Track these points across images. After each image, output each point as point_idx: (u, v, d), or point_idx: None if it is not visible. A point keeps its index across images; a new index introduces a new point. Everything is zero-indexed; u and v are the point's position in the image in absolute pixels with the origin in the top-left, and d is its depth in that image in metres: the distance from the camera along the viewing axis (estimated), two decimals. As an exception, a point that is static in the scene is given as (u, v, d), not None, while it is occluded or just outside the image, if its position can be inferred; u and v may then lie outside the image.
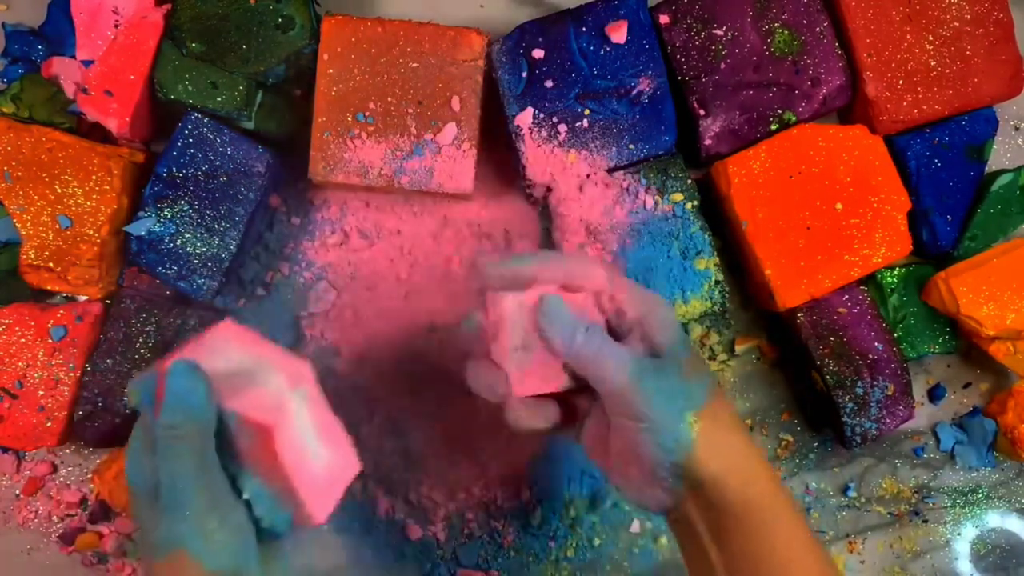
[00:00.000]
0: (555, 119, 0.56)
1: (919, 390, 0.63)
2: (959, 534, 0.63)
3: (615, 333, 0.43)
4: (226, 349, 0.42)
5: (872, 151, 0.57)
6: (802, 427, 0.63)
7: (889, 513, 0.62)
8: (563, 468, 0.60)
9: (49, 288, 0.56)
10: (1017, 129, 0.64)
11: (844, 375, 0.57)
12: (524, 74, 0.56)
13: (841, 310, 0.57)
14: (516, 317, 0.43)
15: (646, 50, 0.56)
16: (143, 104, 0.56)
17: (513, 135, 0.56)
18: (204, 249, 0.54)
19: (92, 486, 0.59)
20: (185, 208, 0.54)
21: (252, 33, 0.55)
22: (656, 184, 0.56)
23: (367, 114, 0.55)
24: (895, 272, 0.60)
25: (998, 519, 0.63)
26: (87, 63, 0.56)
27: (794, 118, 0.58)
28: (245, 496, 0.40)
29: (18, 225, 0.54)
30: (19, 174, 0.54)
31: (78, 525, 0.59)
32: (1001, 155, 0.63)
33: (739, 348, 0.62)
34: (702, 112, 0.57)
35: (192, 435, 0.39)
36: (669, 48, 0.58)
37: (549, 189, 0.57)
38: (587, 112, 0.56)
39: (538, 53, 0.56)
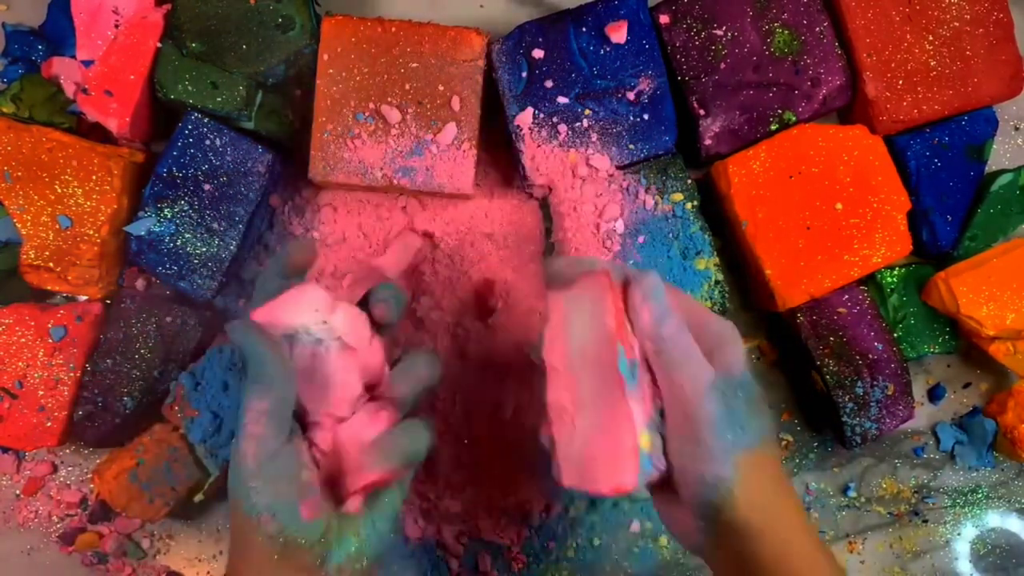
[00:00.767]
0: (555, 119, 0.56)
1: (919, 390, 0.63)
2: (959, 534, 0.63)
3: None
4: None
5: (872, 151, 0.58)
6: (802, 427, 0.63)
7: (889, 513, 0.62)
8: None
9: (49, 288, 0.56)
10: (1017, 129, 0.64)
11: (844, 375, 0.57)
12: (524, 74, 0.56)
13: (841, 310, 0.57)
14: (577, 315, 0.40)
15: (646, 50, 0.56)
16: (143, 104, 0.56)
17: (513, 135, 0.56)
18: (204, 249, 0.54)
19: (92, 486, 0.59)
20: (185, 208, 0.54)
21: (252, 33, 0.55)
22: (656, 184, 0.56)
23: (367, 114, 0.55)
24: (895, 272, 0.60)
25: (998, 519, 0.63)
26: (87, 63, 0.56)
27: (794, 118, 0.58)
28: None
29: (18, 225, 0.54)
30: (19, 174, 0.54)
31: (78, 525, 0.59)
32: (1001, 155, 0.63)
33: (739, 348, 0.62)
34: (702, 112, 0.57)
35: (266, 386, 0.39)
36: (669, 48, 0.58)
37: (549, 189, 0.57)
38: (587, 112, 0.56)
39: (538, 53, 0.56)
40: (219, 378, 0.54)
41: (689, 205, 0.56)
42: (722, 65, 0.57)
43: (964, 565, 0.62)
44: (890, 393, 0.57)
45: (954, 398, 0.64)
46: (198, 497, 0.56)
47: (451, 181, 0.56)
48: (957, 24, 0.58)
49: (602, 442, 0.39)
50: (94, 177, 0.54)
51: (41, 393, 0.55)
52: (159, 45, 0.55)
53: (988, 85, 0.59)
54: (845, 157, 0.57)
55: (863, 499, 0.62)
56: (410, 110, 0.55)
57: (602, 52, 0.56)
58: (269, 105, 0.56)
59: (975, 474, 0.63)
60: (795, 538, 0.39)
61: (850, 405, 0.57)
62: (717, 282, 0.56)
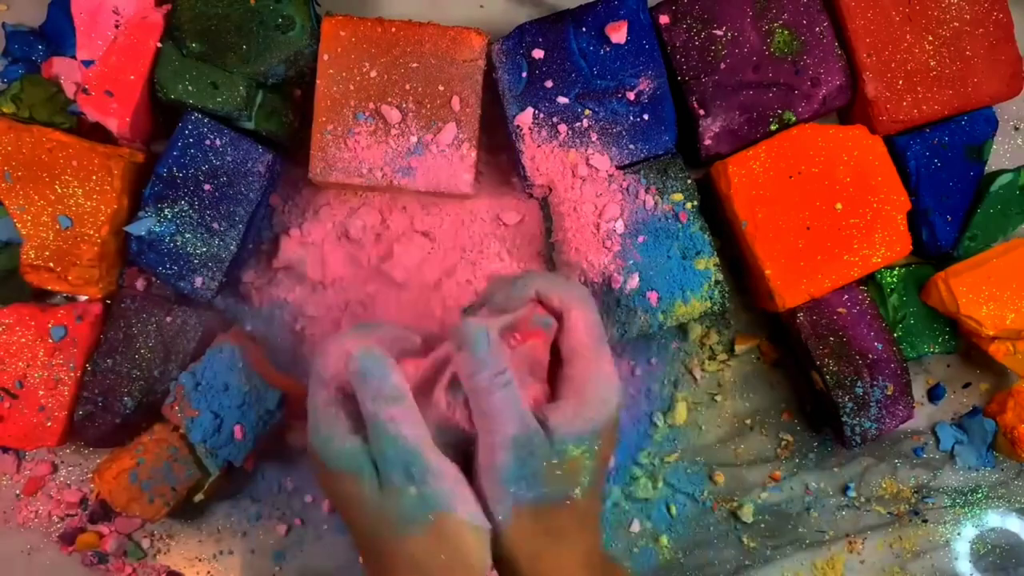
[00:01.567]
0: (555, 119, 0.56)
1: (919, 390, 0.63)
2: (959, 534, 0.63)
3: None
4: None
5: (872, 151, 0.58)
6: (802, 427, 0.63)
7: (889, 513, 0.62)
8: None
9: (49, 288, 0.56)
10: (1017, 129, 0.64)
11: (844, 375, 0.57)
12: (524, 74, 0.56)
13: (841, 310, 0.57)
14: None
15: (646, 50, 0.56)
16: (143, 104, 0.56)
17: (513, 135, 0.56)
18: (204, 249, 0.54)
19: (92, 486, 0.59)
20: (185, 208, 0.54)
21: (252, 33, 0.55)
22: (656, 184, 0.56)
23: (367, 114, 0.55)
24: (895, 272, 0.60)
25: (998, 519, 0.63)
26: (87, 63, 0.56)
27: (794, 118, 0.58)
28: None
29: (18, 225, 0.54)
30: (19, 174, 0.54)
31: (78, 525, 0.59)
32: (1001, 155, 0.63)
33: (739, 348, 0.62)
34: (702, 112, 0.57)
35: (403, 396, 0.40)
36: (669, 48, 0.58)
37: (549, 189, 0.57)
38: (587, 112, 0.56)
39: (538, 53, 0.56)
40: (219, 378, 0.54)
41: (689, 205, 0.56)
42: (722, 65, 0.57)
43: (964, 565, 0.62)
44: (890, 393, 0.57)
45: (954, 398, 0.64)
46: (198, 497, 0.56)
47: (451, 181, 0.56)
48: (957, 24, 0.58)
49: None
50: (94, 177, 0.54)
51: (41, 393, 0.55)
52: (159, 45, 0.55)
53: (988, 85, 0.59)
54: (845, 157, 0.57)
55: (863, 499, 0.62)
56: (410, 110, 0.55)
57: (602, 52, 0.56)
58: (269, 105, 0.56)
59: (975, 474, 0.63)
60: None
61: (850, 405, 0.57)
62: (717, 282, 0.56)
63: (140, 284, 0.58)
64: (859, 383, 0.57)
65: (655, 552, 0.61)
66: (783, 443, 0.62)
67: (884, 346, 0.57)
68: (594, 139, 0.56)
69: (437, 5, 0.62)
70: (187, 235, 0.54)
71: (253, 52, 0.55)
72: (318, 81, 0.55)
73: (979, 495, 0.63)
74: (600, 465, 0.42)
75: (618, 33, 0.56)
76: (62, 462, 0.60)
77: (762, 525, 0.62)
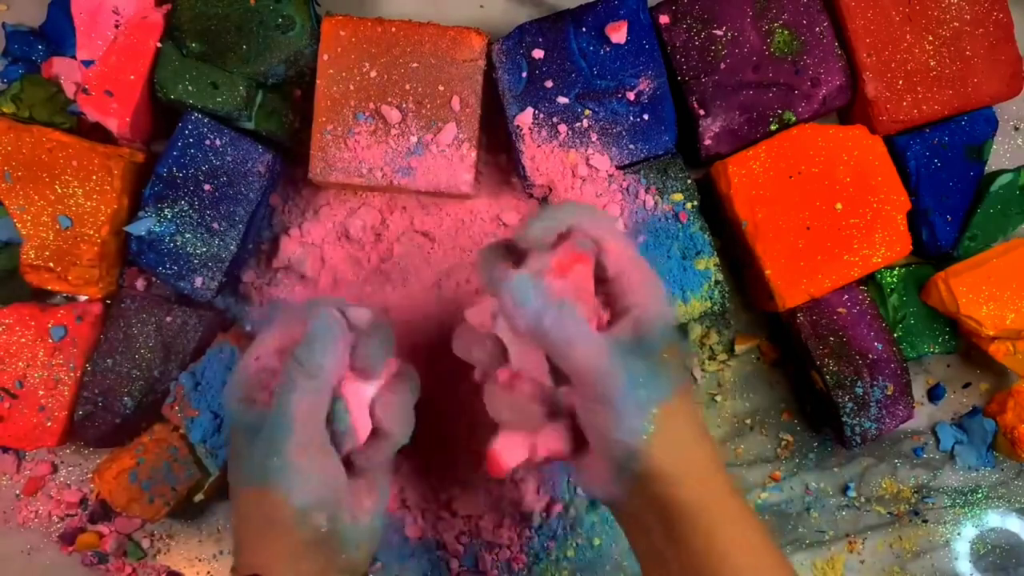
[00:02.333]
0: (555, 119, 0.56)
1: (919, 390, 0.63)
2: (959, 534, 0.63)
3: (607, 300, 0.43)
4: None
5: (872, 151, 0.58)
6: (802, 427, 0.63)
7: (889, 513, 0.62)
8: (563, 468, 0.60)
9: (49, 288, 0.56)
10: (1017, 129, 0.64)
11: (844, 375, 0.57)
12: (524, 74, 0.56)
13: (841, 310, 0.57)
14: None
15: (646, 50, 0.56)
16: (143, 104, 0.56)
17: (513, 135, 0.56)
18: (204, 249, 0.54)
19: (92, 486, 0.59)
20: (185, 208, 0.54)
21: (252, 33, 0.55)
22: (656, 184, 0.56)
23: (367, 114, 0.55)
24: (895, 272, 0.60)
25: (998, 519, 0.63)
26: (87, 63, 0.56)
27: (794, 118, 0.58)
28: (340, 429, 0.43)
29: (18, 225, 0.54)
30: (19, 174, 0.54)
31: (78, 525, 0.59)
32: (1001, 155, 0.63)
33: (739, 348, 0.62)
34: (702, 112, 0.57)
35: (320, 378, 0.41)
36: (669, 48, 0.58)
37: (549, 189, 0.57)
38: (587, 112, 0.56)
39: (538, 53, 0.56)
40: (219, 378, 0.54)
41: (689, 205, 0.56)
42: (722, 65, 0.57)
43: (964, 565, 0.62)
44: (890, 393, 0.57)
45: (954, 398, 0.64)
46: (198, 497, 0.56)
47: (451, 181, 0.56)
48: (957, 24, 0.58)
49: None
50: (94, 177, 0.54)
51: (41, 393, 0.55)
52: (159, 45, 0.55)
53: (988, 85, 0.59)
54: (845, 157, 0.57)
55: (863, 499, 0.62)
56: (410, 110, 0.55)
57: (602, 52, 0.56)
58: (269, 105, 0.56)
59: (975, 474, 0.63)
60: (711, 482, 0.41)
61: (850, 405, 0.57)
62: (717, 282, 0.56)
63: (140, 284, 0.58)
64: (859, 383, 0.57)
65: (655, 552, 0.61)
66: (783, 443, 0.62)
67: (884, 346, 0.57)
68: (594, 139, 0.56)
69: (437, 5, 0.62)
70: (187, 235, 0.54)
71: (253, 52, 0.55)
72: (318, 81, 0.55)
73: (979, 495, 0.63)
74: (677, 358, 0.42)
75: (618, 33, 0.56)
76: (62, 462, 0.60)
77: (762, 525, 0.62)
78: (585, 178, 0.56)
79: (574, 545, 0.60)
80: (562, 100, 0.56)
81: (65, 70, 0.57)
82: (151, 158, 0.58)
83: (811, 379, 0.60)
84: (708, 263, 0.56)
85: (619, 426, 0.40)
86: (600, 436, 0.41)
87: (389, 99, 0.55)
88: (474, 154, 0.56)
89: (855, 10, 0.58)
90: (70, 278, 0.55)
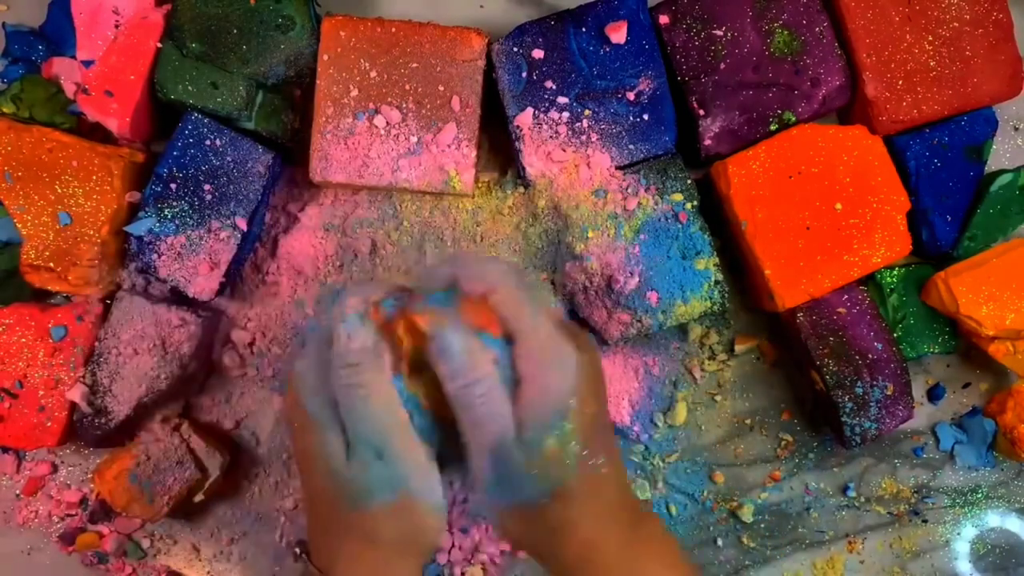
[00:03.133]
0: (555, 119, 0.56)
1: (919, 390, 0.63)
2: (959, 534, 0.63)
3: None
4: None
5: (872, 151, 0.58)
6: (802, 427, 0.63)
7: (889, 513, 0.62)
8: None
9: (49, 288, 0.56)
10: (1017, 129, 0.64)
11: (844, 375, 0.57)
12: (524, 74, 0.56)
13: (841, 310, 0.57)
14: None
15: (646, 50, 0.56)
16: (143, 104, 0.56)
17: (513, 135, 0.56)
18: (204, 249, 0.54)
19: (92, 486, 0.59)
20: (185, 208, 0.54)
21: (252, 33, 0.55)
22: (656, 184, 0.56)
23: (367, 114, 0.55)
24: (895, 272, 0.60)
25: (998, 519, 0.63)
26: (87, 63, 0.56)
27: (794, 118, 0.58)
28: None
29: (18, 225, 0.54)
30: (19, 174, 0.54)
31: (78, 525, 0.59)
32: (1001, 155, 0.63)
33: (739, 348, 0.62)
34: (702, 112, 0.57)
35: (368, 364, 0.40)
36: (669, 48, 0.58)
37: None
38: (587, 112, 0.56)
39: (538, 53, 0.56)
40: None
41: (689, 205, 0.56)
42: (722, 65, 0.57)
43: (964, 565, 0.62)
44: (890, 393, 0.57)
45: (954, 398, 0.64)
46: (198, 497, 0.56)
47: (451, 181, 0.56)
48: (957, 24, 0.58)
49: None
50: (94, 177, 0.54)
51: (41, 393, 0.55)
52: (159, 45, 0.55)
53: (988, 85, 0.59)
54: (845, 157, 0.57)
55: (863, 499, 0.62)
56: (410, 110, 0.55)
57: (602, 52, 0.56)
58: (269, 105, 0.56)
59: (975, 474, 0.63)
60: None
61: (850, 405, 0.57)
62: (717, 282, 0.56)
63: (140, 284, 0.58)
64: (859, 383, 0.57)
65: (655, 552, 0.61)
66: (783, 443, 0.62)
67: (884, 346, 0.57)
68: (594, 139, 0.56)
69: (437, 5, 0.62)
70: (187, 235, 0.54)
71: (253, 52, 0.55)
72: (318, 81, 0.55)
73: (979, 495, 0.63)
74: (586, 434, 0.40)
75: (618, 33, 0.56)
76: (62, 462, 0.60)
77: (762, 525, 0.62)
78: (585, 178, 0.56)
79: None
80: (562, 100, 0.56)
81: (65, 70, 0.57)
82: (151, 158, 0.58)
83: (811, 379, 0.60)
84: (708, 263, 0.56)
85: (478, 500, 0.42)
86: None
87: (389, 99, 0.55)
88: (474, 154, 0.56)
89: (855, 10, 0.58)
90: (70, 278, 0.55)
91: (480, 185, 0.60)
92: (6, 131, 0.54)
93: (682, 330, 0.62)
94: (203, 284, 0.55)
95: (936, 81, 0.58)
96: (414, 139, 0.55)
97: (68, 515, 0.60)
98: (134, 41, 0.55)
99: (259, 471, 0.60)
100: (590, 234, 0.56)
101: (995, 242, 0.60)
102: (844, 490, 0.62)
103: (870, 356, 0.57)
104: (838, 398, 0.57)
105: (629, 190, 0.56)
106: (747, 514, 0.61)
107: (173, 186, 0.54)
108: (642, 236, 0.56)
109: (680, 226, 0.56)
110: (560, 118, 0.56)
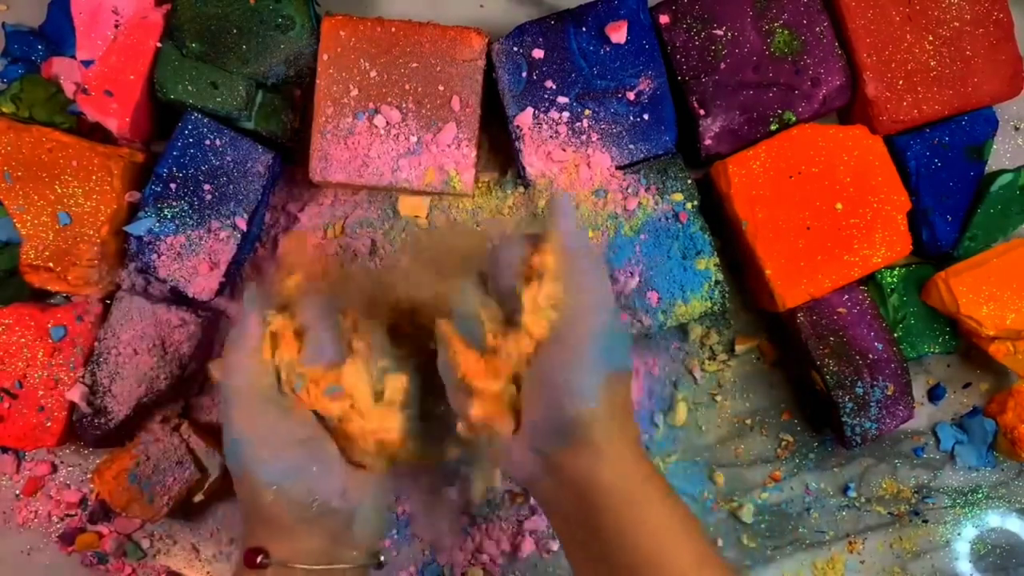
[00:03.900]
0: (555, 119, 0.56)
1: (919, 390, 0.63)
2: (959, 534, 0.63)
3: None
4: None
5: (872, 151, 0.58)
6: (802, 427, 0.63)
7: (889, 513, 0.62)
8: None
9: (49, 288, 0.56)
10: (1017, 129, 0.64)
11: (844, 375, 0.57)
12: (524, 74, 0.56)
13: (841, 310, 0.57)
14: None
15: (646, 50, 0.56)
16: (143, 104, 0.56)
17: (513, 135, 0.56)
18: (204, 249, 0.54)
19: (92, 486, 0.59)
20: (185, 208, 0.54)
21: (252, 33, 0.55)
22: (656, 184, 0.56)
23: (367, 114, 0.55)
24: (895, 272, 0.60)
25: (998, 519, 0.63)
26: (87, 63, 0.56)
27: (794, 118, 0.58)
28: None
29: (18, 225, 0.54)
30: (19, 174, 0.54)
31: (78, 525, 0.59)
32: (1001, 155, 0.63)
33: (739, 348, 0.62)
34: (702, 112, 0.57)
35: (242, 342, 0.45)
36: (669, 48, 0.58)
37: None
38: (587, 112, 0.56)
39: (538, 53, 0.56)
40: None
41: (689, 205, 0.56)
42: (722, 65, 0.57)
43: (964, 565, 0.62)
44: (890, 393, 0.57)
45: (954, 398, 0.64)
46: (198, 497, 0.56)
47: (451, 181, 0.55)
48: (957, 24, 0.58)
49: None
50: (94, 177, 0.54)
51: (41, 393, 0.55)
52: (159, 45, 0.55)
53: (988, 85, 0.59)
54: (845, 157, 0.57)
55: (863, 499, 0.62)
56: (410, 110, 0.55)
57: (602, 52, 0.56)
58: (269, 105, 0.56)
59: (975, 474, 0.63)
60: (632, 465, 0.41)
61: (850, 405, 0.57)
62: (717, 282, 0.56)
63: (140, 284, 0.58)
64: (859, 383, 0.57)
65: (655, 552, 0.61)
66: (783, 443, 0.62)
67: (884, 346, 0.57)
68: (594, 139, 0.56)
69: (437, 5, 0.62)
70: (187, 235, 0.54)
71: (253, 52, 0.55)
72: (318, 81, 0.55)
73: (979, 495, 0.63)
74: None
75: (618, 33, 0.56)
76: (62, 462, 0.60)
77: (762, 525, 0.62)
78: (585, 178, 0.56)
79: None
80: (562, 100, 0.56)
81: (65, 70, 0.57)
82: (151, 158, 0.58)
83: (811, 379, 0.59)
84: (708, 263, 0.56)
85: (575, 389, 0.40)
86: (547, 401, 0.41)
87: (389, 99, 0.55)
88: (474, 154, 0.56)
89: (855, 10, 0.58)
90: (70, 278, 0.55)
91: (480, 185, 0.60)
92: (6, 131, 0.54)
93: (682, 330, 0.62)
94: (203, 284, 0.55)
95: (936, 81, 0.58)
96: (414, 139, 0.55)
97: (68, 515, 0.60)
98: (134, 41, 0.55)
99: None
100: (590, 234, 0.56)
101: (995, 242, 0.60)
102: (844, 490, 0.62)
103: (870, 356, 0.57)
104: (838, 398, 0.57)
105: (629, 190, 0.56)
106: (747, 514, 0.61)
107: (173, 186, 0.54)
108: (642, 236, 0.56)
109: (680, 226, 0.56)
110: (560, 118, 0.56)
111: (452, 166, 0.55)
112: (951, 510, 0.63)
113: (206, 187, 0.54)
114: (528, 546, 0.59)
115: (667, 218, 0.56)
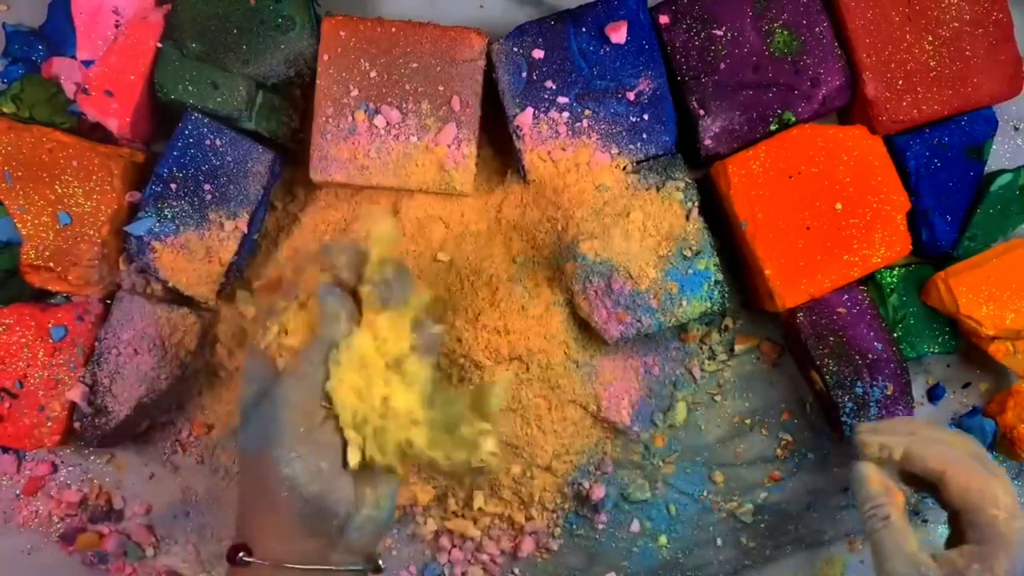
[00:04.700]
0: (555, 119, 0.56)
1: (919, 390, 0.63)
2: (959, 534, 0.63)
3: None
4: None
5: (872, 151, 0.58)
6: (802, 427, 0.63)
7: (889, 513, 0.62)
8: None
9: (49, 288, 0.56)
10: (1017, 129, 0.64)
11: (844, 375, 0.57)
12: (524, 74, 0.56)
13: (841, 310, 0.57)
14: None
15: (646, 50, 0.57)
16: (143, 104, 0.56)
17: (513, 135, 0.56)
18: (204, 249, 0.54)
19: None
20: (185, 208, 0.54)
21: (252, 33, 0.55)
22: (656, 184, 0.56)
23: (367, 114, 0.55)
24: (895, 272, 0.60)
25: (998, 519, 0.63)
26: (87, 63, 0.56)
27: (794, 118, 0.58)
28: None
29: (18, 225, 0.54)
30: (20, 174, 0.54)
31: (78, 525, 0.59)
32: (1001, 155, 0.63)
33: (739, 348, 0.62)
34: (702, 112, 0.57)
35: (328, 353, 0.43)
36: (669, 48, 0.58)
37: (549, 189, 0.57)
38: (587, 112, 0.56)
39: (538, 53, 0.56)
40: None
41: (689, 205, 0.56)
42: (722, 65, 0.57)
43: (964, 565, 0.62)
44: (890, 393, 0.57)
45: (954, 398, 0.64)
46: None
47: (451, 181, 0.56)
48: (957, 24, 0.58)
49: None
50: (94, 177, 0.55)
51: (41, 393, 0.55)
52: (159, 45, 0.55)
53: (988, 85, 0.59)
54: (845, 157, 0.57)
55: (863, 499, 0.62)
56: (410, 110, 0.55)
57: (602, 52, 0.56)
58: (269, 105, 0.56)
59: (975, 474, 0.63)
60: None
61: (850, 405, 0.57)
62: (717, 282, 0.56)
63: (140, 284, 0.58)
64: (859, 383, 0.57)
65: (655, 552, 0.61)
66: (783, 443, 0.62)
67: (884, 346, 0.57)
68: (594, 139, 0.56)
69: (437, 5, 0.62)
70: (187, 235, 0.54)
71: (253, 52, 0.55)
72: (318, 81, 0.55)
73: (979, 495, 0.63)
74: None
75: (618, 33, 0.56)
76: (62, 462, 0.60)
77: (762, 525, 0.62)
78: (585, 178, 0.56)
79: (574, 544, 0.60)
80: (562, 100, 0.56)
81: (65, 70, 0.57)
82: (151, 158, 0.58)
83: (811, 379, 0.60)
84: (708, 263, 0.56)
85: None
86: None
87: (389, 99, 0.55)
88: (474, 154, 0.56)
89: (855, 10, 0.58)
90: (70, 278, 0.55)
91: (480, 185, 0.60)
92: (6, 131, 0.54)
93: (682, 330, 0.62)
94: (203, 284, 0.54)
95: (936, 81, 0.58)
96: (414, 139, 0.55)
97: (68, 515, 0.60)
98: (134, 41, 0.55)
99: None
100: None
101: (995, 242, 0.60)
102: (844, 490, 0.62)
103: (870, 356, 0.57)
104: (838, 398, 0.57)
105: (629, 190, 0.56)
106: (747, 514, 0.61)
107: (173, 186, 0.54)
108: (642, 236, 0.56)
109: (680, 226, 0.56)
110: (560, 118, 0.56)
111: (452, 166, 0.55)
112: (951, 510, 0.63)
113: (206, 187, 0.54)
114: (528, 546, 0.59)
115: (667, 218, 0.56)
